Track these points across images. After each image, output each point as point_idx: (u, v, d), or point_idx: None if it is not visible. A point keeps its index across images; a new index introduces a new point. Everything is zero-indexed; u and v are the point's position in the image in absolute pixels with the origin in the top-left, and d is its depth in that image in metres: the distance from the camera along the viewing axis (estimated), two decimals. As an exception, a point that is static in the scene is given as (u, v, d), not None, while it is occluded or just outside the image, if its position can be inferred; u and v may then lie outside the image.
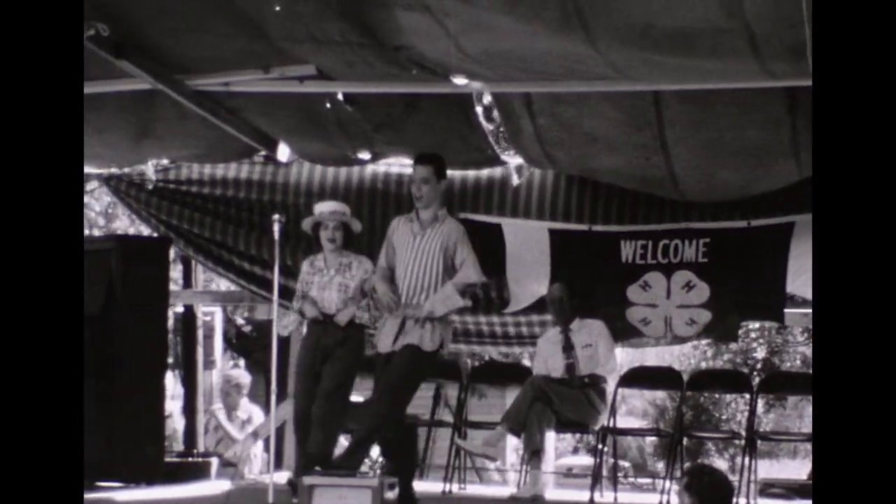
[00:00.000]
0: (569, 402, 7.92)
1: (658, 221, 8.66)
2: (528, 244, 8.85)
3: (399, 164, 9.18)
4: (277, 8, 6.30)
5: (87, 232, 16.93)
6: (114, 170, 9.67)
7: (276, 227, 7.27)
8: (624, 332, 8.76)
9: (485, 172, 9.08)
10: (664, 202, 8.61)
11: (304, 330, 7.76)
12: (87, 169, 9.84)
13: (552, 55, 6.43)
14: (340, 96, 7.82)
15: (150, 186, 9.63)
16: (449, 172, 8.96)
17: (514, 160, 9.07)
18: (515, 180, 9.02)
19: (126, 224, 15.13)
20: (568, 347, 8.16)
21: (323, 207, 7.71)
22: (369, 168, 9.21)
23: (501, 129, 9.53)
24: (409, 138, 8.35)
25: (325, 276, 7.54)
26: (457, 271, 7.12)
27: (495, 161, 8.90)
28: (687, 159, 7.87)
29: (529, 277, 8.84)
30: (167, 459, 8.95)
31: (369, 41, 6.65)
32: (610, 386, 8.16)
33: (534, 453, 7.78)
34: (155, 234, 9.87)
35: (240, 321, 19.41)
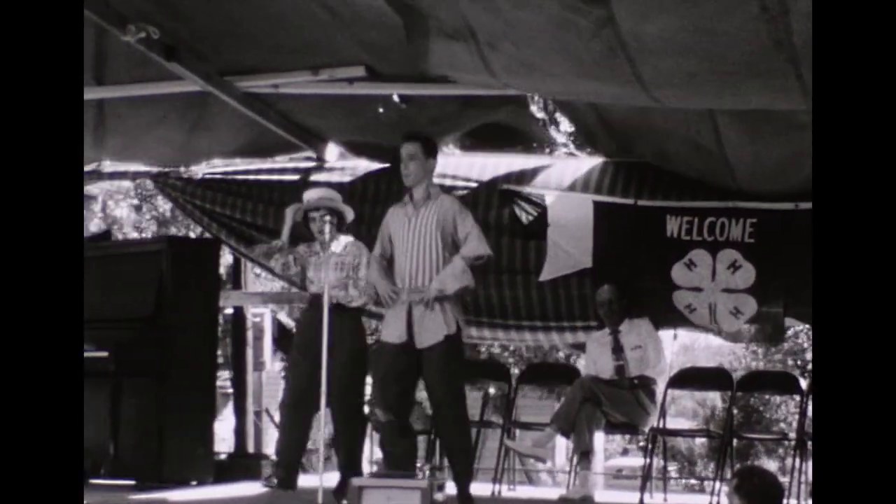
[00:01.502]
0: (618, 404, 7.89)
1: (705, 200, 8.56)
2: (570, 213, 8.71)
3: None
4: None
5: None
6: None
7: None
8: (669, 320, 8.62)
9: (532, 159, 9.01)
10: (712, 185, 8.51)
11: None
12: (136, 168, 9.93)
13: (598, 96, 6.49)
14: (396, 97, 7.80)
15: (197, 178, 9.56)
16: (496, 157, 8.95)
17: (563, 157, 9.08)
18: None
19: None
20: (617, 349, 8.13)
21: (310, 195, 7.51)
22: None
23: (556, 120, 9.50)
24: (464, 129, 8.35)
25: (321, 256, 7.30)
26: (460, 246, 6.89)
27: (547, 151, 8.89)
28: (737, 143, 7.80)
29: (570, 245, 8.70)
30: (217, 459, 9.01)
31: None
32: (660, 387, 8.12)
33: (583, 454, 7.74)
34: (205, 236, 9.89)
35: (288, 321, 19.43)
